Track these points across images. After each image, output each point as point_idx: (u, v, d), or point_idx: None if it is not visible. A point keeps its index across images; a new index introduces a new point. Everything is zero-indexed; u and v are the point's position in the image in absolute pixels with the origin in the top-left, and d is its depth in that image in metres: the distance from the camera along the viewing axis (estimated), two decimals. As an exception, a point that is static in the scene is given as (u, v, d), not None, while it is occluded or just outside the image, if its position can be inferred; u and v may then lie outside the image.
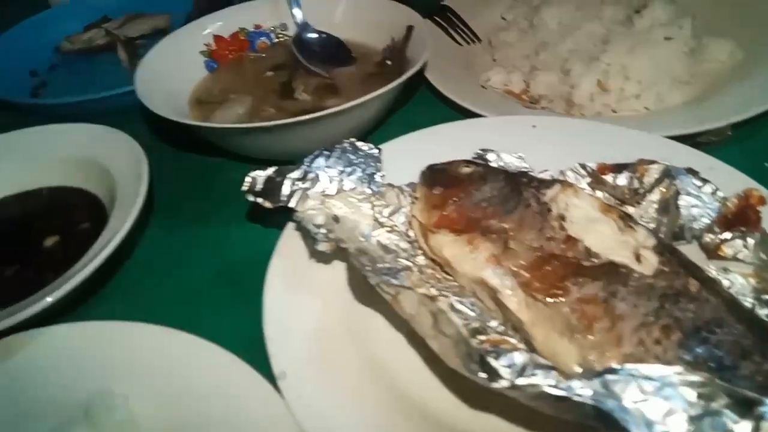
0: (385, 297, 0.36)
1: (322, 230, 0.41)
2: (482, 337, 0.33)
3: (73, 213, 0.52)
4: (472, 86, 0.63)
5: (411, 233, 0.45)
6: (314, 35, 0.66)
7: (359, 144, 0.46)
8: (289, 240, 0.45)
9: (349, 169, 0.44)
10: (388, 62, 0.62)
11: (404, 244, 0.44)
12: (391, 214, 0.45)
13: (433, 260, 0.43)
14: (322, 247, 0.40)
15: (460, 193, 0.43)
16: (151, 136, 0.62)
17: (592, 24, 0.64)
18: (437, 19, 0.74)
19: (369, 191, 0.44)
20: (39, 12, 0.90)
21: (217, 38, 0.67)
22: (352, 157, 0.45)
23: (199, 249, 0.50)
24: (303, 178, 0.43)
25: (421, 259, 0.43)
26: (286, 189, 0.42)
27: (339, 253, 0.42)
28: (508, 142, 0.51)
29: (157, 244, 0.50)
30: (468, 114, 0.58)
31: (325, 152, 0.44)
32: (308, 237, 0.41)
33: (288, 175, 0.43)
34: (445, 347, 0.33)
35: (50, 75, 0.80)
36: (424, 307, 0.35)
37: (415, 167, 0.47)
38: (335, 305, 0.41)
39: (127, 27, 0.83)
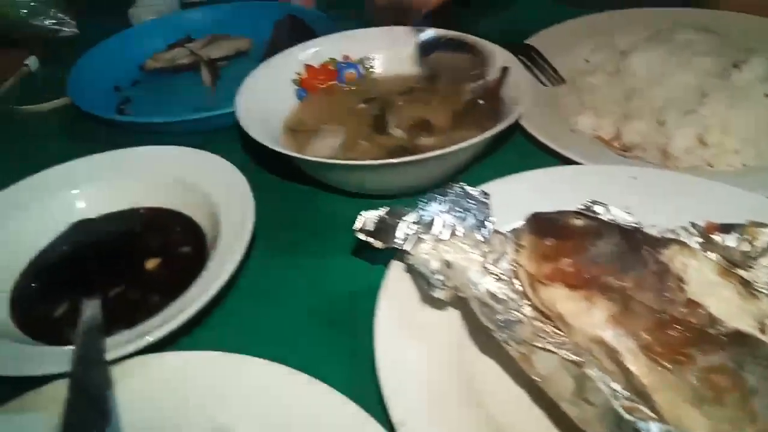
0: (510, 352, 0.36)
1: (439, 276, 0.40)
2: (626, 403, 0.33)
3: (172, 235, 0.53)
4: (563, 130, 0.63)
5: (516, 282, 0.45)
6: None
7: (469, 189, 0.45)
8: (396, 280, 0.45)
9: (462, 215, 0.44)
10: (480, 101, 0.62)
11: (511, 294, 0.43)
12: (496, 261, 0.45)
13: (541, 312, 0.43)
14: (440, 294, 0.40)
15: (574, 247, 0.43)
16: (239, 159, 0.63)
17: (686, 74, 0.64)
18: (521, 58, 0.74)
19: (479, 238, 0.44)
20: (122, 29, 0.93)
21: (308, 67, 0.68)
22: (465, 202, 0.45)
23: (297, 280, 0.50)
24: (418, 222, 0.43)
25: (528, 310, 0.43)
26: (400, 231, 0.42)
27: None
28: (608, 192, 0.50)
29: (255, 272, 0.51)
30: (560, 158, 0.58)
31: (439, 196, 0.44)
32: (423, 282, 0.41)
33: (403, 218, 0.43)
34: (587, 415, 0.32)
35: (133, 91, 0.82)
36: (565, 371, 0.34)
37: (513, 212, 0.47)
38: (446, 351, 0.41)
39: (210, 48, 0.85)
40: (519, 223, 0.48)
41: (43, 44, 0.92)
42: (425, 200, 0.44)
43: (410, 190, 0.57)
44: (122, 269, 0.50)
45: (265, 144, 0.52)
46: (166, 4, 1.00)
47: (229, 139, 0.67)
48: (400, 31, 0.71)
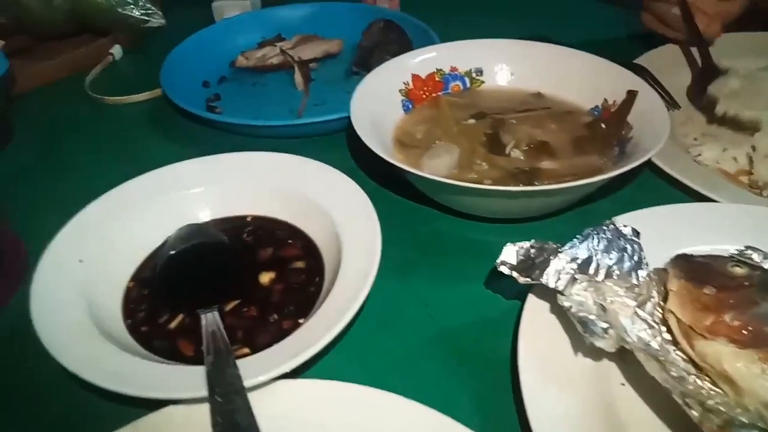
0: (689, 414, 0.33)
1: (601, 324, 0.37)
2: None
3: (285, 248, 0.50)
4: (687, 161, 0.59)
5: (663, 329, 0.41)
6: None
7: (622, 227, 0.42)
8: (535, 320, 0.41)
9: (618, 255, 0.41)
10: (602, 125, 0.59)
11: (662, 342, 0.40)
12: (641, 304, 0.42)
13: (693, 363, 0.39)
14: (602, 343, 0.37)
15: (739, 299, 0.39)
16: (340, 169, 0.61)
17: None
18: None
19: (634, 281, 0.41)
20: (205, 23, 0.91)
21: (415, 77, 0.65)
22: (619, 241, 0.41)
23: (417, 306, 0.48)
24: (573, 260, 0.40)
25: (679, 361, 0.40)
26: (553, 268, 0.39)
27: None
28: (756, 236, 0.47)
29: (373, 296, 0.48)
30: (684, 189, 0.55)
31: (594, 233, 0.41)
32: (579, 327, 0.38)
33: (558, 254, 0.40)
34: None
35: (222, 88, 0.80)
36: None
37: (651, 250, 0.43)
38: (600, 407, 0.38)
39: (301, 48, 0.83)
40: (660, 262, 0.45)
41: (129, 34, 0.91)
42: (581, 237, 0.41)
43: (526, 215, 0.54)
44: (236, 281, 0.48)
45: (389, 161, 0.50)
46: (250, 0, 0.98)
47: (324, 147, 0.65)
48: (508, 44, 0.68)
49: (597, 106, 0.62)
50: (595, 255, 0.40)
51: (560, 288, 0.39)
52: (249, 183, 0.55)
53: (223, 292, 0.46)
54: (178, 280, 0.47)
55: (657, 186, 0.58)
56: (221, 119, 0.68)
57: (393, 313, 0.48)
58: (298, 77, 0.78)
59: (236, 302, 0.46)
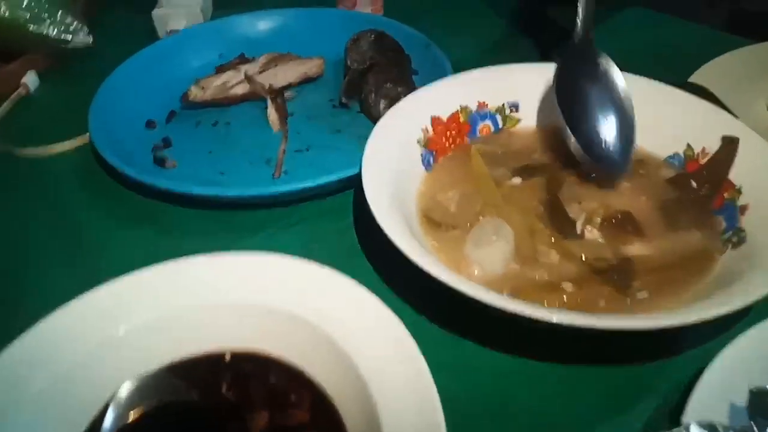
0: None
1: None
2: None
3: (285, 408, 0.34)
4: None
5: None
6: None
7: None
8: None
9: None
10: (693, 183, 0.45)
11: None
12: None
13: None
14: None
15: None
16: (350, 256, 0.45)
17: None
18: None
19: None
20: (145, 38, 0.73)
21: (435, 121, 0.49)
22: None
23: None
24: None
25: None
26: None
27: None
28: None
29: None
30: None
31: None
32: None
33: None
34: None
35: (173, 128, 0.62)
36: None
37: None
38: None
39: (271, 72, 0.65)
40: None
41: (46, 57, 0.71)
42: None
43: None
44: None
45: (442, 281, 0.34)
46: (200, 3, 0.79)
47: (317, 221, 0.49)
48: (549, 69, 0.52)
49: (677, 154, 0.47)
50: None
51: None
52: (222, 302, 0.38)
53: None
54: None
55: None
56: (170, 188, 0.49)
57: None
58: (271, 113, 0.61)
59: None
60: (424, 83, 0.60)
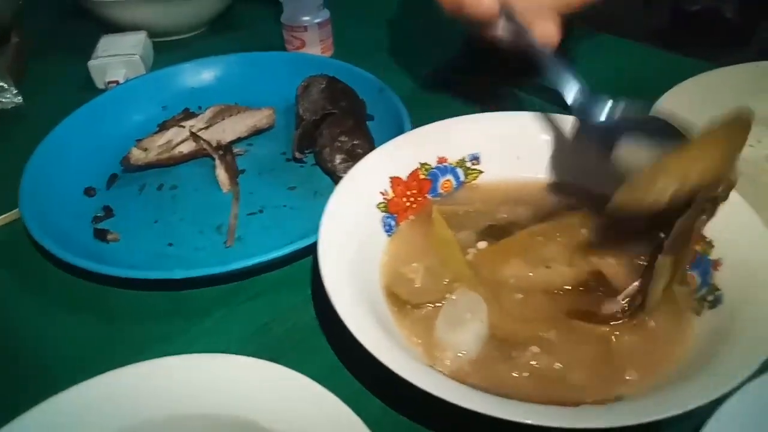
0: None
1: None
2: None
3: None
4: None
5: None
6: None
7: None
8: None
9: None
10: (661, 234, 0.43)
11: None
12: None
13: None
14: None
15: None
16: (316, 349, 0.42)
17: None
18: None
19: None
20: (83, 92, 0.68)
21: (394, 181, 0.47)
22: None
23: None
24: None
25: None
26: None
27: None
28: None
29: None
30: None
31: None
32: None
33: None
34: None
35: (114, 195, 0.58)
36: None
37: None
38: None
39: (219, 127, 0.61)
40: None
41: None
42: None
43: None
44: None
45: (395, 370, 0.31)
46: (140, 50, 0.75)
47: (278, 287, 0.46)
48: (507, 118, 0.51)
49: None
50: None
51: None
52: (170, 414, 0.34)
53: None
54: None
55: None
56: (109, 273, 0.45)
57: None
58: (220, 173, 0.57)
59: None
60: (380, 129, 0.59)
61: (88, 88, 0.74)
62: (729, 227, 0.40)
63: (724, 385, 0.30)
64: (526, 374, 0.35)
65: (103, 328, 0.46)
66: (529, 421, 0.29)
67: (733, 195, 0.40)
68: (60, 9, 0.91)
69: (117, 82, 0.72)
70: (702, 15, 1.12)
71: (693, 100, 0.59)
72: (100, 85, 0.74)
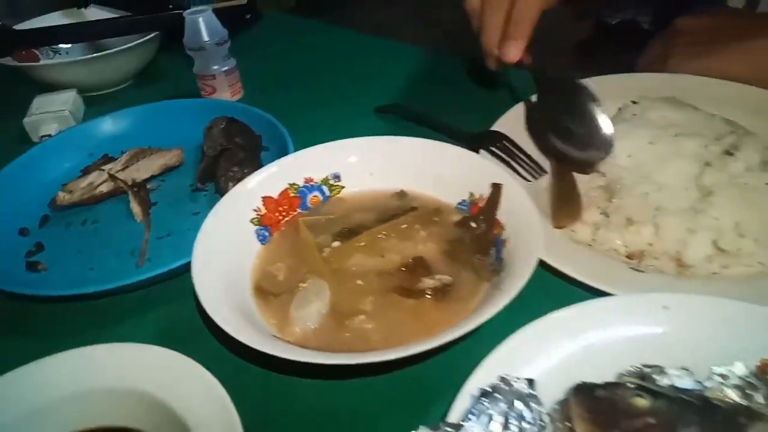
0: None
1: None
2: None
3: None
4: (564, 242, 0.57)
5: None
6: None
7: (515, 383, 0.38)
8: None
9: (515, 416, 0.36)
10: (473, 224, 0.55)
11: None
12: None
13: None
14: None
15: (647, 441, 0.36)
16: (196, 328, 0.52)
17: (677, 163, 0.60)
18: (493, 149, 0.67)
19: (527, 426, 0.36)
20: (19, 145, 0.78)
21: (266, 200, 0.58)
22: (513, 400, 0.37)
23: None
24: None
25: None
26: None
27: None
28: (643, 335, 0.45)
29: None
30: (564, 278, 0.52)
31: (487, 406, 0.36)
32: None
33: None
34: None
35: (45, 233, 0.68)
36: None
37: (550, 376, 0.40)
38: None
39: (134, 168, 0.72)
40: (562, 392, 0.41)
41: None
42: (475, 416, 0.35)
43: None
44: None
45: (243, 341, 0.42)
46: (69, 106, 0.86)
47: (183, 295, 0.56)
48: (361, 143, 0.63)
49: (464, 200, 0.58)
50: (494, 421, 0.35)
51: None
52: (74, 391, 0.44)
53: None
54: None
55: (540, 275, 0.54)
56: (39, 292, 0.56)
57: None
58: (135, 207, 0.68)
59: None
60: (274, 157, 0.70)
61: (25, 142, 0.84)
62: (513, 213, 0.52)
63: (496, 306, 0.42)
64: (348, 334, 0.46)
65: (30, 342, 0.55)
66: (319, 361, 0.40)
67: (515, 187, 0.53)
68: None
69: (50, 136, 0.82)
70: (622, 27, 1.28)
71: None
72: (35, 139, 0.84)
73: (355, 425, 0.45)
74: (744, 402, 0.40)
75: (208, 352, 0.47)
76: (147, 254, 0.62)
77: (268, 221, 0.57)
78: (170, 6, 0.96)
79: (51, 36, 0.95)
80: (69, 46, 1.01)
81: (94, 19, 1.01)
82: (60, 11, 1.05)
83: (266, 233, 0.57)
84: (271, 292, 0.51)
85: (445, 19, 1.12)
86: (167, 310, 0.56)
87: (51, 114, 0.85)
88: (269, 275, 0.53)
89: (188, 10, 0.84)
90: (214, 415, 0.40)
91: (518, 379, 0.38)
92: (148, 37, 0.93)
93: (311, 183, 0.61)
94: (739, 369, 0.42)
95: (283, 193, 0.59)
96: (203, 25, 0.83)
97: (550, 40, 0.93)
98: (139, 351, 0.45)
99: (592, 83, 0.64)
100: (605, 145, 0.61)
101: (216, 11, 0.85)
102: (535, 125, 0.69)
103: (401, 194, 0.61)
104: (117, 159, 0.74)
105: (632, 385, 0.39)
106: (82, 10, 1.04)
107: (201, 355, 0.44)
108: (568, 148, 0.64)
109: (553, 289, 0.52)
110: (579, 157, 0.63)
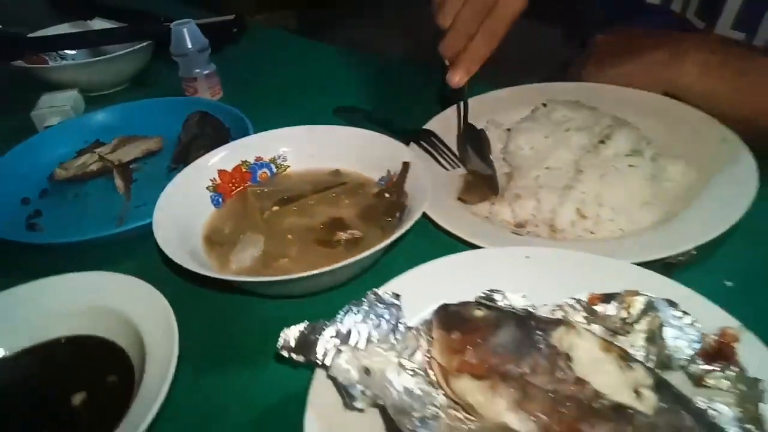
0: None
1: (359, 387, 0.44)
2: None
3: (97, 364, 0.53)
4: (464, 214, 0.69)
5: (431, 373, 0.49)
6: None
7: (382, 294, 0.50)
8: (320, 389, 0.48)
9: (376, 321, 0.48)
10: (387, 195, 0.68)
11: (426, 386, 0.48)
12: (411, 355, 0.49)
13: (454, 401, 0.47)
14: (360, 404, 0.43)
15: (477, 339, 0.48)
16: (162, 271, 0.65)
17: (563, 151, 0.73)
18: (423, 143, 0.80)
19: (393, 340, 0.48)
20: (26, 134, 0.92)
21: (221, 172, 0.71)
22: (378, 308, 0.49)
23: (230, 397, 0.52)
24: (336, 335, 0.46)
25: (442, 399, 0.47)
26: (320, 347, 0.46)
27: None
28: (506, 274, 0.57)
29: (186, 395, 0.52)
30: (463, 240, 0.64)
31: (354, 307, 0.48)
32: (344, 393, 0.45)
33: (322, 333, 0.46)
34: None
35: (43, 203, 0.81)
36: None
37: (424, 304, 0.52)
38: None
39: (120, 151, 0.86)
40: (428, 314, 0.53)
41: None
42: (342, 313, 0.48)
43: (329, 287, 0.61)
44: (46, 409, 0.50)
45: (184, 266, 0.55)
46: (71, 102, 1.00)
47: (150, 248, 0.69)
48: (305, 131, 0.76)
49: (383, 177, 0.71)
50: (355, 326, 0.47)
51: (327, 363, 0.45)
52: (58, 307, 0.57)
53: (32, 424, 0.49)
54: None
55: (438, 237, 0.66)
56: (35, 241, 0.69)
57: (207, 408, 0.52)
58: (118, 181, 0.81)
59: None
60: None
61: (32, 131, 0.98)
62: (416, 185, 0.65)
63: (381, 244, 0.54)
64: (272, 271, 0.59)
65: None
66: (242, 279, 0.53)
67: (418, 165, 0.66)
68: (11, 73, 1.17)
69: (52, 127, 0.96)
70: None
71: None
72: (40, 129, 0.98)
73: (265, 329, 0.56)
74: (562, 317, 0.52)
75: (165, 283, 0.59)
76: (125, 219, 0.75)
77: (222, 190, 0.71)
78: (162, 19, 1.11)
79: (55, 43, 1.10)
80: (74, 51, 1.15)
81: (96, 29, 1.16)
82: (68, 23, 1.20)
83: (220, 199, 0.70)
84: (217, 242, 0.64)
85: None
86: (138, 258, 0.68)
87: (55, 108, 0.99)
88: (218, 230, 0.66)
89: (174, 22, 0.98)
90: (159, 324, 0.53)
91: (386, 292, 0.51)
92: (141, 45, 1.07)
93: (261, 161, 0.74)
94: (570, 300, 0.54)
95: (236, 168, 0.72)
96: (187, 34, 0.97)
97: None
98: (112, 277, 0.59)
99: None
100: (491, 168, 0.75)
101: (206, 25, 1.00)
102: (461, 136, 0.82)
103: (336, 172, 0.73)
104: (107, 144, 0.88)
105: (476, 304, 0.52)
106: (88, 21, 1.19)
107: (158, 284, 0.57)
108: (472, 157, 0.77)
109: (451, 250, 0.64)
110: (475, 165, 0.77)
